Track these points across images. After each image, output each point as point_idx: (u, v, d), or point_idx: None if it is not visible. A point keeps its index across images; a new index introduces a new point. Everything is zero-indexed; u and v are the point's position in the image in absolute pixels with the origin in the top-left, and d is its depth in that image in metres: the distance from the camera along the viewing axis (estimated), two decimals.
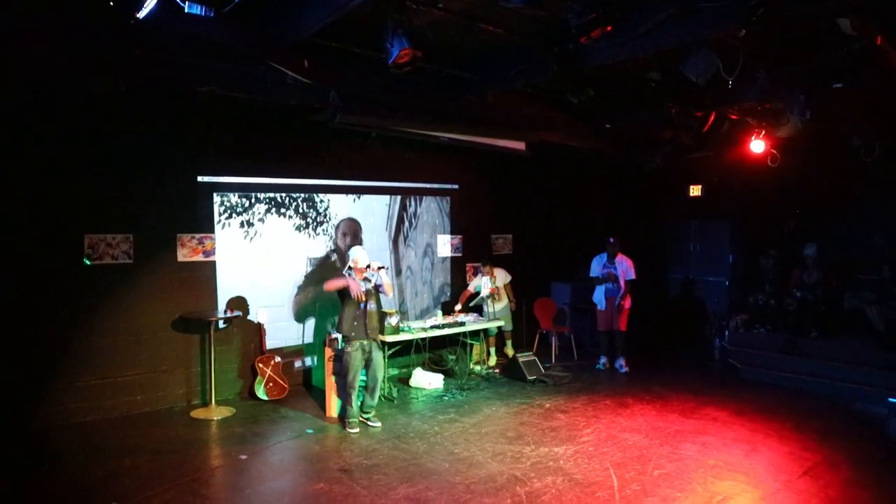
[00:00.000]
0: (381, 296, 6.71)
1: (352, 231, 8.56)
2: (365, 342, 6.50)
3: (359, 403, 6.66)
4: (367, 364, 6.61)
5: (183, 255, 7.27)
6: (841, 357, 8.07)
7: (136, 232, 6.94)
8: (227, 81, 5.86)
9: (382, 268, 6.62)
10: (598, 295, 9.15)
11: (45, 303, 6.44)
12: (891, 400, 6.78)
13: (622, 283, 8.89)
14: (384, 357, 7.27)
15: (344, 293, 6.44)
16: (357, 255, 6.52)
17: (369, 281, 6.54)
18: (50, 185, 6.47)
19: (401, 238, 9.17)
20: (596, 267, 9.16)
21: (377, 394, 6.75)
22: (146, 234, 7.00)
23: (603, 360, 9.18)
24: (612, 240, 9.01)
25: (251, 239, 7.75)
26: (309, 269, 8.25)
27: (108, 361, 6.78)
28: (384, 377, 7.11)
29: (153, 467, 5.46)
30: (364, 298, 6.44)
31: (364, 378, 6.67)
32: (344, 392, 6.58)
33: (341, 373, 6.59)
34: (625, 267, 8.95)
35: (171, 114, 6.98)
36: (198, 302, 7.34)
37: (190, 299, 7.30)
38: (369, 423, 6.59)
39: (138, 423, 6.66)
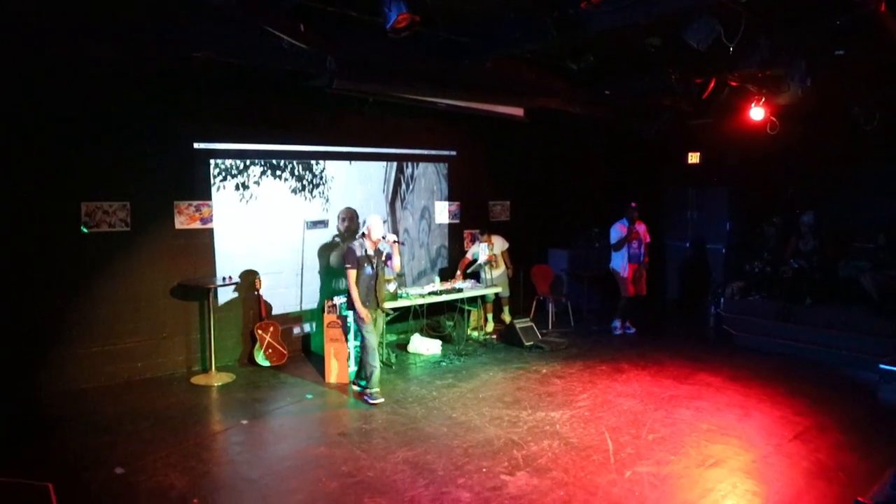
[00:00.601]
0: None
1: (349, 216, 8.58)
2: (373, 312, 6.37)
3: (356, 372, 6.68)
4: None
5: (180, 222, 7.26)
6: (834, 324, 8.15)
7: (133, 199, 6.92)
8: (221, 47, 5.77)
9: (397, 242, 6.48)
10: (619, 261, 9.13)
11: (43, 271, 6.45)
12: (881, 366, 6.88)
13: (644, 246, 9.11)
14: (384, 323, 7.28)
15: (359, 263, 6.23)
16: (372, 223, 6.35)
17: (381, 253, 6.42)
18: (45, 153, 6.43)
19: (398, 201, 9.15)
20: (616, 233, 9.09)
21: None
22: (143, 202, 6.99)
23: (624, 324, 9.31)
24: (633, 204, 9.03)
25: (247, 202, 7.72)
26: (319, 246, 8.34)
27: (107, 329, 6.83)
28: (383, 343, 7.02)
29: (155, 433, 5.55)
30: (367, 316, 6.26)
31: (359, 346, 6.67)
32: (365, 358, 6.38)
33: (360, 341, 6.54)
34: (643, 231, 9.10)
35: (166, 80, 6.90)
36: (196, 269, 7.36)
37: (188, 266, 7.32)
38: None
39: (139, 389, 6.73)
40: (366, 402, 6.28)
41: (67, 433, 5.54)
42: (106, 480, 4.61)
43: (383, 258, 6.48)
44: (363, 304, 6.24)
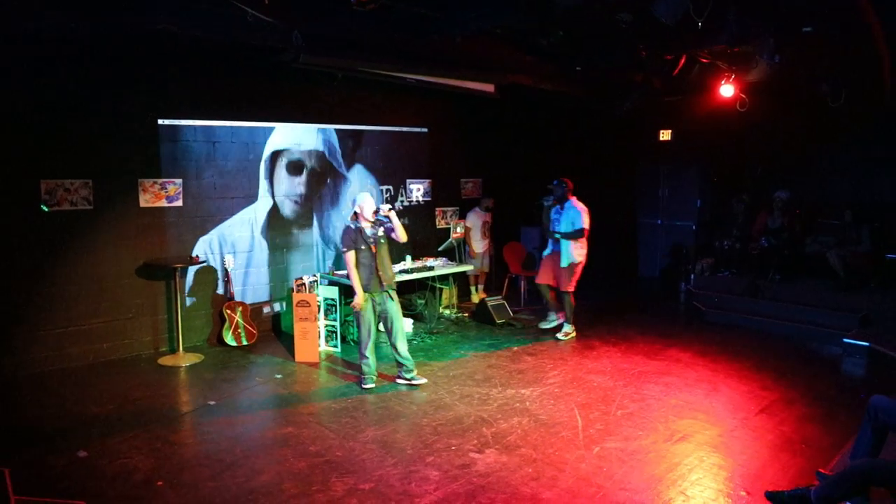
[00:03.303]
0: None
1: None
2: (377, 295, 5.97)
3: (374, 362, 6.17)
4: (383, 318, 6.08)
5: (145, 200, 7.09)
6: (801, 300, 8.31)
7: (95, 177, 6.73)
8: (183, 19, 5.60)
9: (392, 209, 5.91)
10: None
11: (1, 251, 6.27)
12: (845, 340, 7.03)
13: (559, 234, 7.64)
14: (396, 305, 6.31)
15: (356, 244, 5.86)
16: (363, 201, 5.90)
17: (380, 225, 5.95)
18: (1, 129, 6.22)
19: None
20: (546, 215, 7.91)
21: (405, 346, 6.10)
22: (106, 180, 6.80)
23: (552, 316, 8.20)
24: (555, 182, 7.66)
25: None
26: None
27: (71, 309, 6.68)
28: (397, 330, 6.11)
29: (121, 415, 5.46)
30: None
31: (383, 332, 6.21)
32: (357, 348, 6.17)
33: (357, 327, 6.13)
34: (571, 214, 7.52)
35: (128, 54, 6.68)
36: (162, 248, 7.22)
37: (154, 246, 7.17)
38: (413, 381, 6.11)
39: (105, 371, 6.61)
40: (360, 385, 6.08)
41: (31, 416, 5.43)
42: (68, 464, 4.52)
43: (381, 233, 5.97)
44: (365, 288, 5.88)
